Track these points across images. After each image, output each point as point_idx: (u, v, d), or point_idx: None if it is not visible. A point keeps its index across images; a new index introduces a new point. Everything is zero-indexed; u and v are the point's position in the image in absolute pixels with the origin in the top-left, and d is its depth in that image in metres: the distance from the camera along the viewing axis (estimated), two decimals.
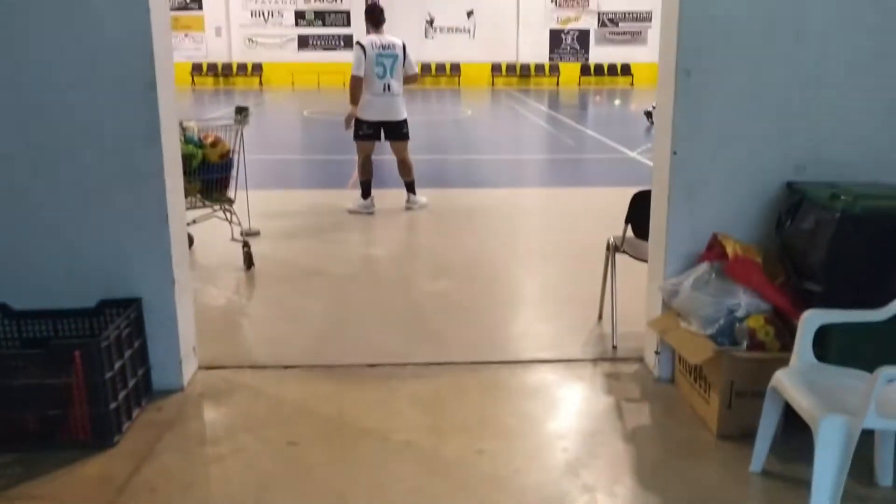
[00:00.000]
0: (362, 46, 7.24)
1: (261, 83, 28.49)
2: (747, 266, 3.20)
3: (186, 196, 5.53)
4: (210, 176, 5.48)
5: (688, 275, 3.37)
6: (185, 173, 5.44)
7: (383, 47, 7.30)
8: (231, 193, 5.69)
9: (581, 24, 29.28)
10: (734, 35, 3.31)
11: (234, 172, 5.67)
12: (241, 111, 6.40)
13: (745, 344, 3.07)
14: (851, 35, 3.33)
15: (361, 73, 7.19)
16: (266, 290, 5.22)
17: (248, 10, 28.62)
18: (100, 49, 3.20)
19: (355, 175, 8.04)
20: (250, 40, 28.85)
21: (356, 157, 7.65)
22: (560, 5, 29.06)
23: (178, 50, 28.77)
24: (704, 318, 3.19)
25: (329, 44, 28.91)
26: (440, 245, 6.28)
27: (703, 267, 3.34)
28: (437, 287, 5.20)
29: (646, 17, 29.21)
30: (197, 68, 28.57)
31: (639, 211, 4.00)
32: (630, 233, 4.20)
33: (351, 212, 7.49)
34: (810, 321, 2.74)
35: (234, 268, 5.56)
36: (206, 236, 6.12)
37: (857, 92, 3.38)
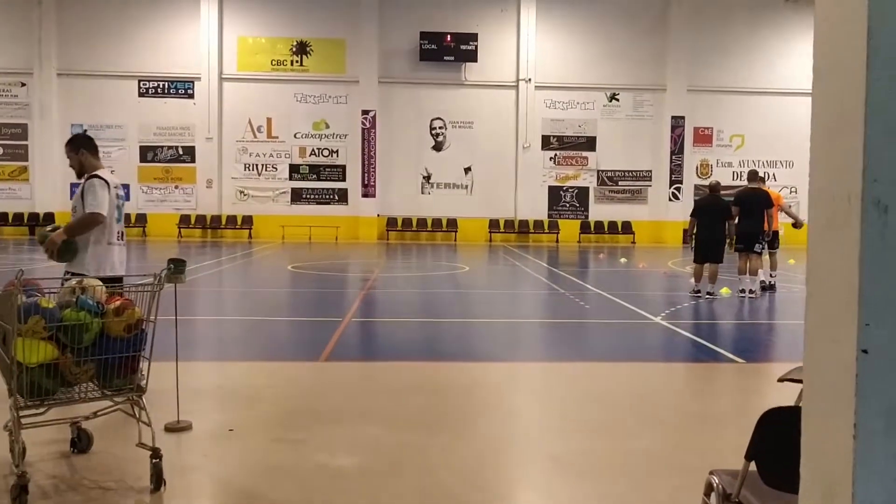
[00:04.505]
0: (105, 181, 5.42)
1: (250, 236, 27.47)
2: None
3: (75, 383, 3.96)
4: (110, 355, 3.90)
5: None
6: (73, 351, 3.93)
7: (118, 187, 5.61)
8: (143, 379, 4.10)
9: (580, 182, 28.71)
10: None
11: (146, 350, 4.08)
12: (176, 264, 4.91)
13: None
14: None
15: (105, 212, 5.38)
16: None
17: (242, 164, 28.03)
18: None
19: (330, 346, 6.48)
20: (242, 192, 28.08)
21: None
22: (559, 163, 28.60)
23: (167, 201, 27.96)
24: None
25: (322, 197, 28.18)
26: (432, 449, 4.61)
27: None
28: None
29: (646, 177, 28.70)
30: (185, 220, 27.61)
31: (773, 441, 2.40)
32: (753, 469, 2.57)
33: None
34: None
35: (137, 489, 3.87)
36: (114, 436, 4.48)
37: None
